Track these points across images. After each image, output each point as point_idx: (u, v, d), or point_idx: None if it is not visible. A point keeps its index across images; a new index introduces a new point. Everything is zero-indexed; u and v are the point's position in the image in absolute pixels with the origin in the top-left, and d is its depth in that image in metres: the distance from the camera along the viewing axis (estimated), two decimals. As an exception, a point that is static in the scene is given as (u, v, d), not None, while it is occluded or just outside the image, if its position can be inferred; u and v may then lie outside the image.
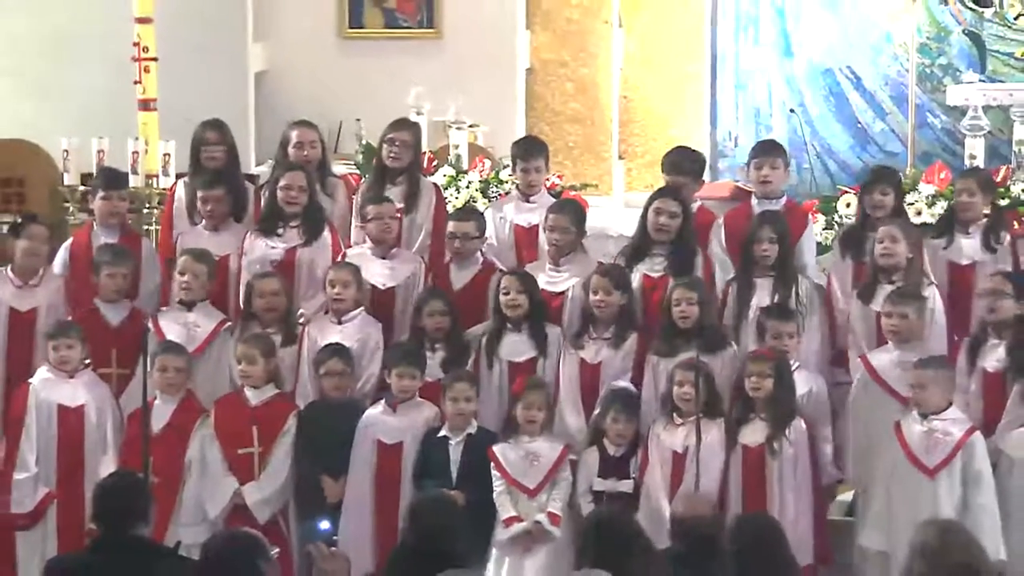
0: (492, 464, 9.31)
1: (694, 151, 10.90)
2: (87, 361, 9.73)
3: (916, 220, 11.01)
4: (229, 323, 10.05)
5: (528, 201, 10.59)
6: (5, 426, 9.75)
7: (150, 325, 9.80)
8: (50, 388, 9.64)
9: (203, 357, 9.90)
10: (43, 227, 10.39)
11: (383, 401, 9.56)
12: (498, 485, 9.31)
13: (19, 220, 10.56)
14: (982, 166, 11.41)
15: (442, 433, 9.41)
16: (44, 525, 9.60)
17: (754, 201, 10.32)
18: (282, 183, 10.30)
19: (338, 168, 11.45)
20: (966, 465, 8.94)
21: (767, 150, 10.47)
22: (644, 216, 10.09)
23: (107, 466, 9.50)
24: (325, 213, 10.46)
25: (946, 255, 10.03)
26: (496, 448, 9.35)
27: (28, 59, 13.14)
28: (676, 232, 9.96)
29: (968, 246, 10.03)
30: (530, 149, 10.73)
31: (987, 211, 10.19)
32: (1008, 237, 10.10)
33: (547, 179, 11.04)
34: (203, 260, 10.04)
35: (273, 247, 10.26)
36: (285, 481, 9.51)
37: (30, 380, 9.70)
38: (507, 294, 9.76)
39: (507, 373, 9.75)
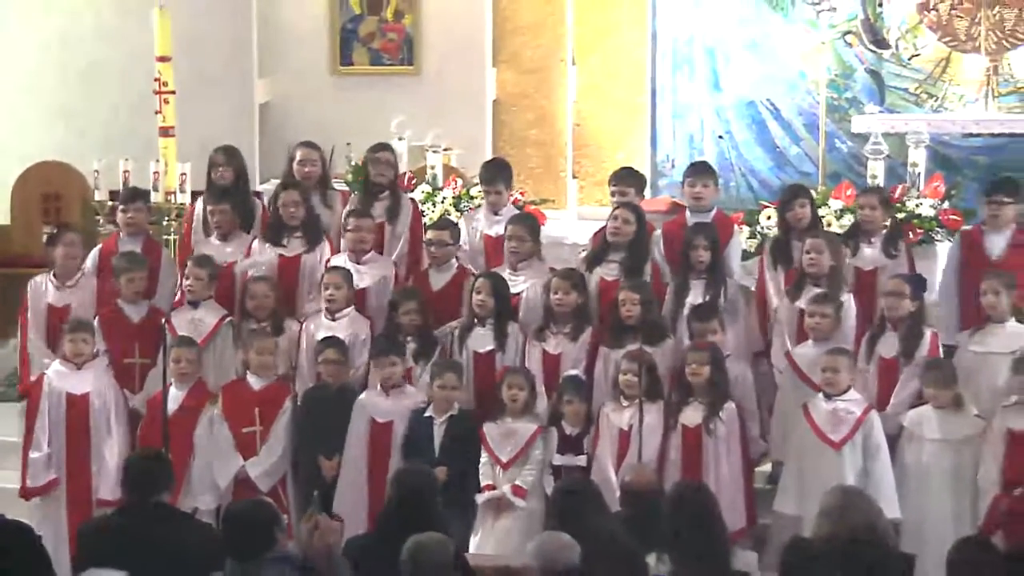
0: (480, 439, 9.30)
1: (637, 170, 10.93)
2: (96, 353, 9.70)
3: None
4: (230, 318, 10.01)
5: (496, 214, 10.57)
6: (24, 412, 9.74)
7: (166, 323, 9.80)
8: (61, 378, 9.61)
9: (208, 348, 9.86)
10: (77, 234, 10.38)
11: (378, 385, 9.52)
12: (484, 457, 9.30)
13: (55, 230, 10.57)
14: (882, 185, 11.46)
15: (427, 414, 9.39)
16: (57, 500, 9.59)
17: (688, 214, 10.33)
18: (279, 202, 10.31)
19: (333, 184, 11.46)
20: (866, 438, 8.95)
21: (699, 171, 10.44)
22: (605, 226, 10.10)
23: (111, 446, 9.53)
24: (323, 222, 10.46)
25: (853, 262, 10.03)
26: (486, 426, 9.33)
27: (66, 91, 13.07)
28: (630, 239, 9.96)
29: (871, 254, 10.05)
30: (494, 172, 10.69)
31: (886, 224, 10.26)
32: (903, 245, 10.18)
33: (511, 195, 11.07)
34: (203, 265, 10.02)
35: (280, 254, 10.27)
36: (282, 455, 9.47)
37: (45, 371, 9.68)
38: (478, 294, 9.75)
39: (471, 361, 9.73)
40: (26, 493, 9.61)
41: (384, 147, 10.72)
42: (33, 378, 9.94)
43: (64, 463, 9.60)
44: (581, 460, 9.22)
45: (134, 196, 10.59)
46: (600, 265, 10.02)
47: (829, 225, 11.00)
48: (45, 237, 11.44)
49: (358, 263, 10.18)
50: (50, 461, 9.59)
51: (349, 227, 10.19)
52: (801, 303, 9.65)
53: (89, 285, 10.25)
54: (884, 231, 10.12)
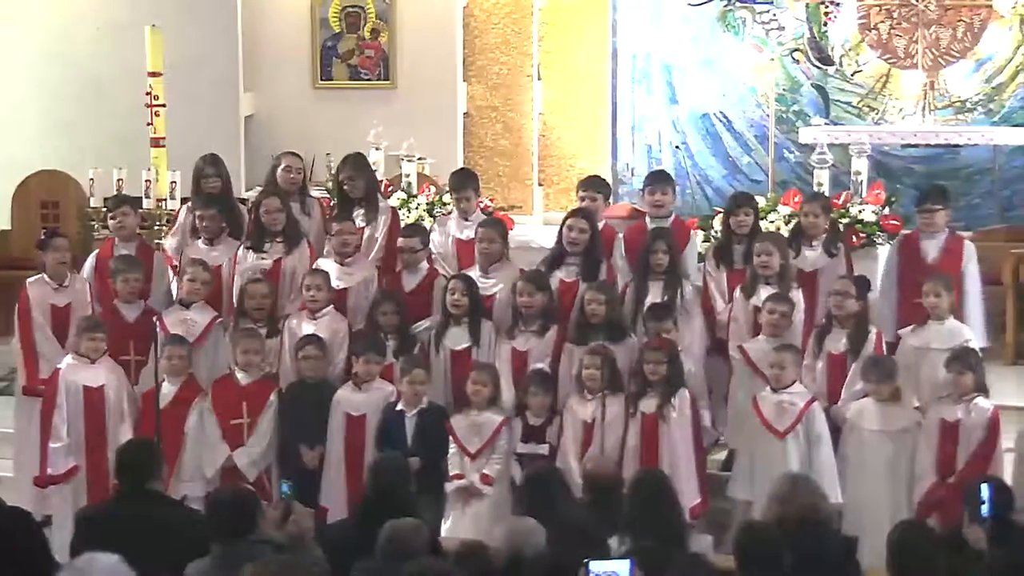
0: (448, 432, 9.30)
1: (604, 178, 10.95)
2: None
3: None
4: (221, 319, 10.00)
5: (466, 220, 10.56)
6: (41, 405, 9.69)
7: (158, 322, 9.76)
8: (76, 372, 9.59)
9: (200, 347, 9.85)
10: (64, 239, 10.32)
11: (351, 381, 9.53)
12: (452, 448, 9.29)
13: (43, 237, 10.51)
14: (827, 192, 11.52)
15: (399, 407, 9.38)
16: (76, 484, 9.55)
17: (648, 219, 10.34)
18: (262, 209, 10.30)
19: (313, 192, 11.45)
20: (808, 428, 9.00)
21: (659, 180, 10.41)
22: (560, 232, 10.13)
23: (125, 433, 9.48)
24: (302, 227, 10.45)
25: (796, 263, 10.05)
26: (453, 419, 9.33)
27: (64, 104, 13.08)
28: (585, 245, 10.00)
29: (812, 256, 10.07)
30: (461, 181, 10.65)
31: (826, 228, 10.30)
32: (842, 247, 10.22)
33: (480, 202, 11.07)
34: (208, 268, 10.05)
35: (263, 259, 10.24)
36: (268, 446, 9.46)
37: (59, 366, 9.67)
38: (453, 294, 9.74)
39: (449, 359, 9.72)
40: (44, 481, 9.54)
41: (348, 161, 10.60)
42: (45, 375, 9.88)
43: (83, 450, 9.58)
44: (543, 449, 9.22)
45: (120, 202, 10.58)
46: (559, 268, 10.01)
47: (779, 229, 11.04)
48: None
49: (343, 264, 10.16)
50: (69, 450, 9.56)
51: (333, 232, 10.19)
52: (755, 301, 9.68)
53: (83, 284, 10.21)
54: (824, 235, 10.13)
